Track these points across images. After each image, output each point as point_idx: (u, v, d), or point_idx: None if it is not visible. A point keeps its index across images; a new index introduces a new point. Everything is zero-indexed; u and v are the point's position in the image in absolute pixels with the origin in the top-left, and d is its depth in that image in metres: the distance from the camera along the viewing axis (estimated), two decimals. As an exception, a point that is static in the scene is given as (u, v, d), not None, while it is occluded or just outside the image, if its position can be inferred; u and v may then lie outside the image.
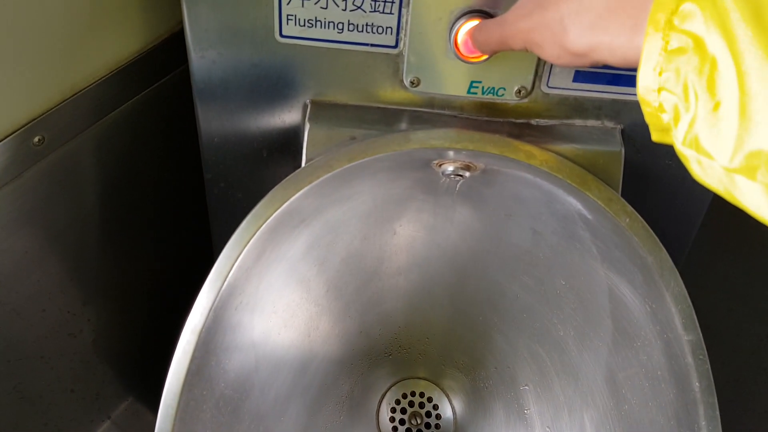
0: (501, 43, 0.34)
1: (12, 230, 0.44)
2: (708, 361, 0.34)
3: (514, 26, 0.32)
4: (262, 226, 0.39)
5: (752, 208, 0.23)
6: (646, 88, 0.25)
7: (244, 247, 0.39)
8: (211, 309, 0.39)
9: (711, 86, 0.23)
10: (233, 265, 0.39)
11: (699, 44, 0.23)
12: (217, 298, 0.39)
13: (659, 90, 0.25)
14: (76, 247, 0.50)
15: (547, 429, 0.44)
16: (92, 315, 0.54)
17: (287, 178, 0.39)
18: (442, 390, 0.50)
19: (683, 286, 0.35)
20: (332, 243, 0.44)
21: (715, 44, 0.23)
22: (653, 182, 0.44)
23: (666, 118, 0.25)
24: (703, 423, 0.34)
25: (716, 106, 0.23)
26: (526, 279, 0.44)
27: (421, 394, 0.51)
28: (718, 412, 0.34)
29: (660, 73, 0.24)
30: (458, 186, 0.42)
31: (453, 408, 0.50)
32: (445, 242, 0.46)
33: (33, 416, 0.53)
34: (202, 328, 0.39)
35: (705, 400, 0.34)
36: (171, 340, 0.47)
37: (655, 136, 0.27)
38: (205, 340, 0.39)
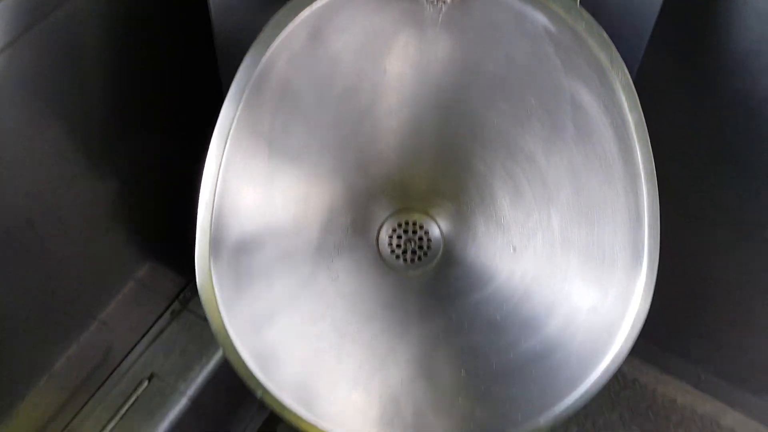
0: None
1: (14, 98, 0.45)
2: (647, 133, 0.41)
3: None
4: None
5: None
6: None
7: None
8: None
9: None
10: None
11: None
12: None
13: None
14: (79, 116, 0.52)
15: (520, 227, 0.52)
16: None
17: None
18: (431, 217, 0.58)
19: (629, 76, 0.42)
20: (331, 75, 0.50)
21: None
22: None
23: None
24: (643, 183, 0.41)
25: None
26: (501, 104, 0.51)
27: (414, 223, 0.58)
28: (654, 171, 0.41)
29: None
30: (441, 16, 0.48)
31: (440, 229, 0.57)
32: (431, 79, 0.52)
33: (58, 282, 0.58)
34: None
35: (646, 168, 0.42)
36: (183, 204, 0.51)
37: None
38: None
